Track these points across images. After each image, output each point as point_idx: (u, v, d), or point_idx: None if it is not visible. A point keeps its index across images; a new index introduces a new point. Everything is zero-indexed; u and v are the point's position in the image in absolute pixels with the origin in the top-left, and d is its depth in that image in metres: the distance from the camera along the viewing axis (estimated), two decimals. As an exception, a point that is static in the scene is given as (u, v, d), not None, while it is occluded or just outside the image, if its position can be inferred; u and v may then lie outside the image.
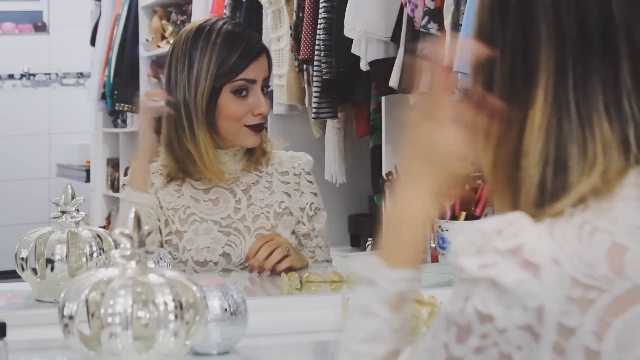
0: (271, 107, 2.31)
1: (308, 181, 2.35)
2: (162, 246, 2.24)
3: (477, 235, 0.95)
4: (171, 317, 1.36)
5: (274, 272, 2.19)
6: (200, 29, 2.25)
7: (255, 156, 2.31)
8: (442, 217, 2.11)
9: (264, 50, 2.29)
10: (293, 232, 2.32)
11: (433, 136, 1.10)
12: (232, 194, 2.29)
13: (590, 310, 0.90)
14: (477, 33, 1.04)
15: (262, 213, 2.29)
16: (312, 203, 2.34)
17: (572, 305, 0.90)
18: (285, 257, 2.18)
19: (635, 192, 0.95)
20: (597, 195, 0.95)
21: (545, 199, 0.96)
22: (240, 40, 2.23)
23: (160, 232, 2.25)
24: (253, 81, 2.23)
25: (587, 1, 0.98)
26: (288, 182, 2.33)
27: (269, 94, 2.31)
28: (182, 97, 2.23)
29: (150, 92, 2.30)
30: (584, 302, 0.90)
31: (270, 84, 2.34)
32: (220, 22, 2.28)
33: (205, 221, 2.26)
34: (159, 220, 2.25)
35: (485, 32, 1.03)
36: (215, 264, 2.24)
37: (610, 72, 0.97)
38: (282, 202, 2.31)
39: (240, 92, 2.22)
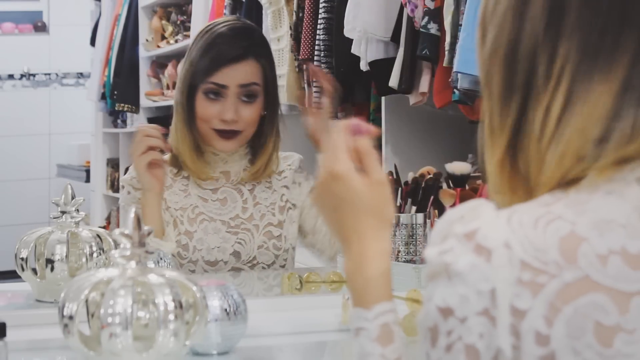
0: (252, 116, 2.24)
1: (302, 176, 2.38)
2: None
3: (444, 223, 0.97)
4: (171, 317, 1.36)
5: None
6: (205, 27, 2.30)
7: (259, 168, 2.31)
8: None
9: (249, 56, 2.23)
10: (299, 228, 2.33)
11: (335, 188, 1.16)
12: (239, 193, 2.31)
13: (541, 294, 0.90)
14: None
15: (269, 211, 2.31)
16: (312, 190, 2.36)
17: (522, 287, 0.90)
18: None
19: (621, 187, 0.95)
20: (580, 186, 0.95)
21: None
22: (220, 44, 2.22)
23: None
24: (224, 86, 2.21)
25: None
26: (285, 177, 2.35)
27: (254, 103, 2.25)
28: (175, 97, 2.31)
29: (145, 131, 2.19)
30: (534, 285, 0.90)
31: (255, 94, 2.25)
32: (221, 24, 2.28)
33: (214, 220, 2.27)
34: (167, 225, 2.25)
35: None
36: (225, 263, 2.25)
37: None
38: (283, 195, 2.33)
39: (215, 95, 2.22)
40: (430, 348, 0.95)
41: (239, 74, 2.22)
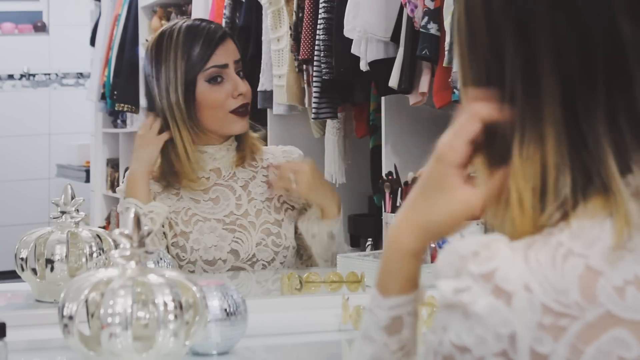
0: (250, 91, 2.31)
1: None
2: (168, 251, 2.24)
3: (455, 256, 0.94)
4: (171, 317, 1.36)
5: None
6: (161, 33, 2.29)
7: (246, 151, 2.32)
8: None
9: (228, 35, 2.29)
10: (296, 227, 2.33)
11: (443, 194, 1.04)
12: (231, 190, 2.30)
13: (562, 338, 0.89)
14: (479, 77, 1.00)
15: (264, 207, 2.30)
16: None
17: (543, 332, 0.89)
18: (297, 183, 2.24)
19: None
20: (579, 213, 0.94)
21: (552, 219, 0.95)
22: (199, 31, 2.25)
23: (165, 236, 2.25)
24: (225, 65, 2.24)
25: (588, 20, 0.95)
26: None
27: (246, 78, 2.31)
28: (161, 103, 2.24)
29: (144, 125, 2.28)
30: (556, 329, 0.89)
31: (242, 68, 2.31)
32: (180, 22, 2.30)
33: (208, 220, 2.27)
34: (163, 226, 2.25)
35: (486, 72, 0.99)
36: (224, 261, 2.25)
37: (622, 91, 0.95)
38: (281, 196, 2.32)
39: (215, 80, 2.24)
40: None
41: (230, 51, 2.27)
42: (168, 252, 2.23)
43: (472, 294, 0.91)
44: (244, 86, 2.25)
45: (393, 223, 1.10)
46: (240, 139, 2.32)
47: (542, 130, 0.95)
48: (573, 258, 0.91)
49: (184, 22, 2.29)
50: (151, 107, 2.29)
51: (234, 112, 2.24)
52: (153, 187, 2.28)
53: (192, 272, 2.23)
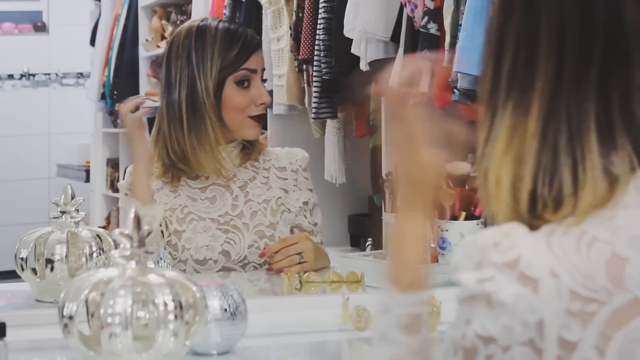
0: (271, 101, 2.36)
1: (305, 177, 2.39)
2: (165, 248, 2.24)
3: (474, 248, 0.93)
4: (171, 317, 1.36)
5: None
6: (200, 27, 2.29)
7: (250, 150, 2.33)
8: (442, 217, 2.11)
9: (260, 45, 2.36)
10: (291, 230, 2.33)
11: (409, 165, 1.14)
12: (228, 191, 2.31)
13: (591, 324, 0.88)
14: (485, 32, 1.02)
15: (260, 209, 2.30)
16: (310, 199, 2.37)
17: (572, 318, 0.89)
18: (300, 263, 2.21)
19: (637, 198, 0.94)
20: (597, 204, 0.93)
21: (539, 208, 0.94)
22: (239, 35, 2.29)
23: (163, 235, 2.26)
24: (254, 71, 2.29)
25: (594, 5, 0.96)
26: (286, 179, 2.35)
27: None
28: (186, 95, 2.24)
29: (125, 105, 2.27)
30: (584, 315, 0.89)
31: (266, 78, 2.38)
32: (217, 21, 2.34)
33: (203, 219, 2.28)
34: (160, 225, 2.25)
35: (492, 32, 1.01)
36: (215, 262, 2.25)
37: (618, 71, 0.95)
38: (279, 197, 2.33)
39: (242, 83, 2.27)
40: None
41: (260, 59, 2.33)
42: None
43: (496, 283, 0.90)
44: (267, 96, 2.32)
45: (397, 219, 1.11)
46: (248, 141, 2.34)
47: (529, 101, 0.96)
48: (599, 244, 0.90)
49: (220, 22, 2.33)
50: (167, 88, 2.29)
51: (253, 117, 2.29)
52: (152, 183, 2.28)
53: (183, 271, 2.23)
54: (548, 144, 0.95)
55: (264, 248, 2.26)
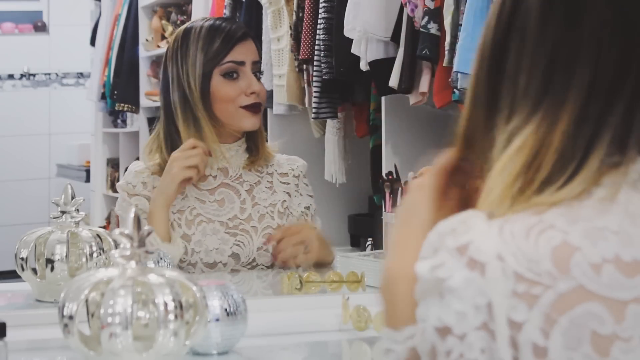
0: (267, 96, 2.34)
1: (305, 184, 2.40)
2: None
3: (435, 236, 0.96)
4: (171, 317, 1.36)
5: (285, 265, 2.23)
6: (187, 29, 2.32)
7: (259, 156, 2.33)
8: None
9: (249, 35, 2.32)
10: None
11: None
12: (237, 194, 2.31)
13: (536, 306, 0.90)
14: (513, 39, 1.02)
15: (267, 212, 2.31)
16: (311, 205, 2.38)
17: (518, 299, 0.90)
18: (306, 253, 2.21)
19: (611, 192, 0.95)
20: (573, 198, 0.94)
21: (527, 189, 0.96)
22: (222, 28, 2.28)
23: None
24: (241, 63, 2.27)
25: (634, 12, 0.97)
26: (288, 183, 2.35)
27: (261, 79, 2.33)
28: (177, 95, 2.25)
29: (200, 148, 2.23)
30: (529, 297, 0.90)
31: (262, 70, 2.37)
32: (205, 20, 2.34)
33: (212, 222, 2.27)
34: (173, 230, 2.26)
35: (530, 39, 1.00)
36: (225, 264, 2.25)
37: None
38: (284, 201, 2.33)
39: (230, 75, 2.26)
40: None
41: (249, 50, 2.29)
42: None
43: (447, 269, 0.93)
44: (257, 85, 2.28)
45: (386, 263, 1.09)
46: (252, 142, 2.33)
47: (558, 116, 0.96)
48: (551, 231, 0.92)
49: (206, 21, 2.33)
50: (164, 90, 2.29)
51: (245, 107, 2.26)
52: (158, 183, 2.27)
53: (192, 273, 2.23)
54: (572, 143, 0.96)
55: (270, 241, 2.26)
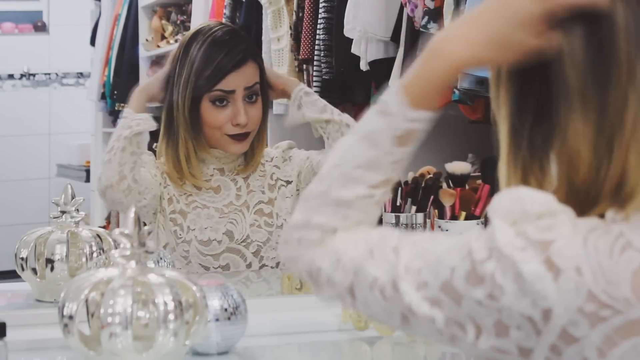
0: (263, 113, 2.28)
1: (291, 154, 2.41)
2: (165, 226, 2.26)
3: (518, 206, 0.92)
4: (171, 317, 1.36)
5: None
6: (194, 33, 2.29)
7: (251, 159, 2.34)
8: (442, 217, 2.11)
9: (248, 59, 2.26)
10: (297, 190, 2.35)
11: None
12: (233, 182, 2.33)
13: (600, 326, 0.88)
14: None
15: (260, 191, 2.33)
16: (309, 155, 2.39)
17: (581, 317, 0.88)
18: None
19: None
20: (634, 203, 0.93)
21: (599, 191, 0.95)
22: (220, 51, 2.24)
23: (164, 213, 2.27)
24: (231, 92, 2.24)
25: None
26: (275, 157, 2.39)
27: (257, 101, 2.28)
28: (167, 104, 2.28)
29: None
30: (595, 317, 0.88)
31: (255, 94, 2.28)
32: (213, 29, 2.29)
33: (207, 208, 2.30)
34: (162, 198, 2.28)
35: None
36: (219, 242, 2.27)
37: None
38: (273, 174, 2.37)
39: (221, 101, 2.24)
40: (462, 277, 0.92)
41: (243, 77, 2.25)
42: (165, 227, 2.27)
43: (524, 255, 0.90)
44: (243, 116, 2.23)
45: (442, 34, 1.01)
46: (252, 147, 2.33)
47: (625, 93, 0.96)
48: (630, 251, 0.89)
49: (215, 31, 2.27)
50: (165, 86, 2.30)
51: (230, 136, 2.26)
52: (159, 171, 2.29)
53: (187, 251, 2.24)
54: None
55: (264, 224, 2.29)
